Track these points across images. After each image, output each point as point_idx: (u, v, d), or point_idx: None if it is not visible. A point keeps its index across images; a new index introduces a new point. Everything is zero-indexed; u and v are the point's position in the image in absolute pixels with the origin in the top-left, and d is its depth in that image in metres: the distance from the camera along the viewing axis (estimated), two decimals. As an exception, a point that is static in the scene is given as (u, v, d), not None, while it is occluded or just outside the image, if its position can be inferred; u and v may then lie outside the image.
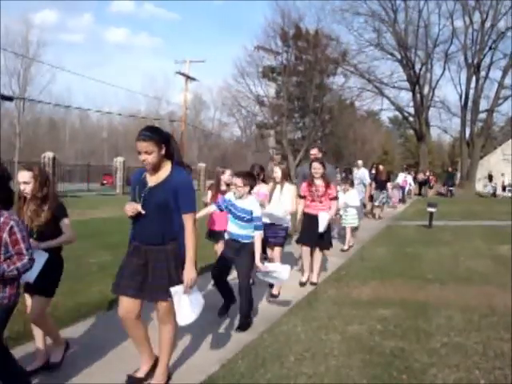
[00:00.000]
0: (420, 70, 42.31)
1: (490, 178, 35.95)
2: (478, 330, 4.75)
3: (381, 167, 16.28)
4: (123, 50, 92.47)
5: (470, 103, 40.70)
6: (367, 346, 4.28)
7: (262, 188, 6.19)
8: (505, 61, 39.46)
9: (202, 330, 4.58)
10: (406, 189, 23.24)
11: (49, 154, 21.48)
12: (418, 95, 42.53)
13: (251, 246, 4.86)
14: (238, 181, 4.86)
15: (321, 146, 8.01)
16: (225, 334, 4.66)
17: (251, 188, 4.93)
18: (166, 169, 3.34)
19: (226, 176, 6.45)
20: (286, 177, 6.36)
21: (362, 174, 12.23)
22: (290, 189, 6.25)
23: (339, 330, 4.69)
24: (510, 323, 4.92)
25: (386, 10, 42.03)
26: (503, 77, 39.60)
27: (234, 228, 4.94)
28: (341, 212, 9.67)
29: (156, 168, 3.32)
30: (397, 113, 50.20)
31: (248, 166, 8.03)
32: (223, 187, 6.40)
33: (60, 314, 4.82)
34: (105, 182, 33.02)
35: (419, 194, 28.92)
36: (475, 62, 39.63)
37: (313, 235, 6.49)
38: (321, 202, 6.53)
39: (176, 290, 3.27)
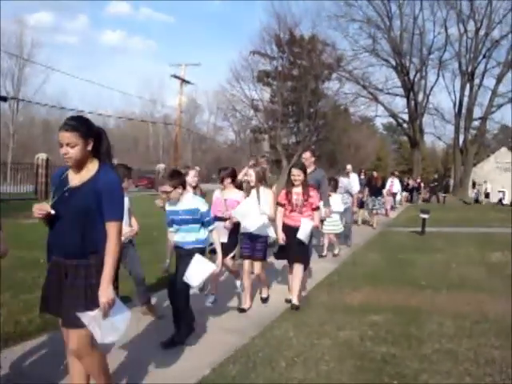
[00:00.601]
0: (414, 76, 42.62)
1: (474, 184, 36.24)
2: (469, 337, 4.76)
3: (375, 173, 15.61)
4: (118, 53, 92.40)
5: (463, 110, 41.02)
6: (358, 352, 4.28)
7: (232, 194, 5.74)
8: (498, 69, 39.89)
9: (193, 334, 4.56)
10: (398, 196, 22.19)
11: (42, 156, 21.38)
12: (413, 102, 42.81)
13: (199, 252, 4.40)
14: (167, 187, 4.37)
15: (313, 150, 7.76)
16: (216, 337, 4.64)
17: (183, 185, 4.43)
18: (92, 168, 2.83)
19: (190, 177, 5.75)
20: (262, 180, 5.77)
21: (347, 182, 11.29)
22: (266, 193, 5.72)
23: (331, 336, 4.68)
24: (502, 330, 4.93)
25: (382, 16, 42.36)
26: (497, 85, 39.96)
27: (180, 236, 4.45)
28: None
29: (79, 166, 2.81)
30: (391, 119, 50.50)
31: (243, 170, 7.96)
32: (189, 191, 5.84)
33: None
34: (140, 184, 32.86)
35: (410, 201, 28.67)
36: (469, 69, 39.96)
37: (291, 250, 5.75)
38: (301, 213, 5.77)
39: (90, 318, 2.70)
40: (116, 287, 2.85)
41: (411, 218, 17.68)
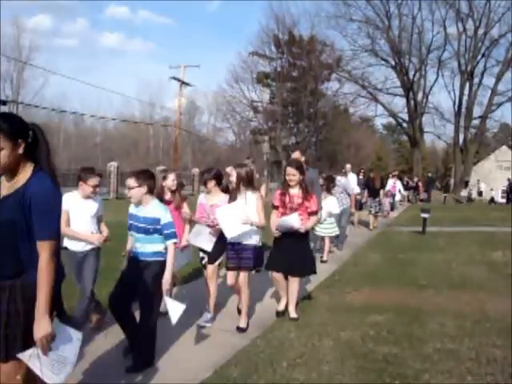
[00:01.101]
0: (414, 76, 42.66)
1: (466, 183, 36.27)
2: (470, 336, 4.76)
3: (371, 174, 14.86)
4: (117, 55, 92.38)
5: (463, 109, 41.11)
6: (360, 352, 4.28)
7: (218, 199, 5.17)
8: (498, 67, 39.92)
9: (194, 336, 4.57)
10: (397, 196, 21.09)
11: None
12: (412, 101, 42.86)
13: (158, 265, 3.92)
14: (131, 181, 3.96)
15: (304, 149, 7.36)
16: (218, 339, 4.64)
17: (151, 190, 4.00)
18: (23, 175, 2.36)
19: (169, 181, 5.22)
20: (246, 182, 4.95)
21: (345, 182, 10.78)
22: (254, 197, 4.92)
23: (332, 336, 4.68)
24: (503, 329, 4.94)
25: (380, 16, 42.44)
26: (496, 83, 40.03)
27: (139, 245, 4.00)
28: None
29: (11, 172, 2.36)
30: (391, 119, 50.53)
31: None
32: (167, 195, 5.19)
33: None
34: None
35: (408, 201, 28.44)
36: (468, 68, 40.01)
37: (285, 259, 5.18)
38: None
39: (28, 357, 2.27)
40: (58, 309, 2.45)
41: (412, 217, 17.69)
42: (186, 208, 5.30)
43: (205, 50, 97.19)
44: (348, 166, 13.12)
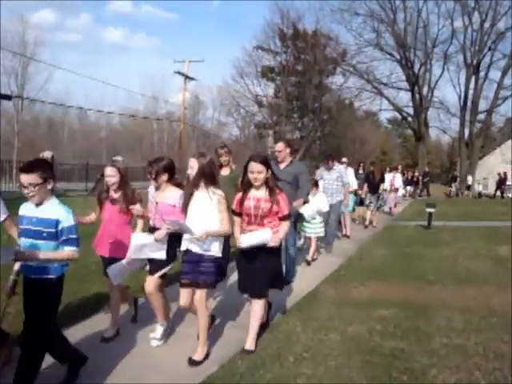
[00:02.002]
0: (419, 70, 42.39)
1: (455, 178, 36.09)
2: (477, 331, 4.74)
3: (371, 167, 13.96)
4: (121, 50, 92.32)
5: (469, 104, 40.82)
6: (367, 347, 4.27)
7: (167, 195, 4.26)
8: (504, 61, 39.62)
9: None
10: (400, 192, 19.60)
11: (47, 154, 21.29)
12: (417, 95, 42.60)
13: (53, 281, 3.18)
14: (24, 177, 3.14)
15: (289, 140, 6.57)
16: (224, 334, 4.64)
17: (45, 181, 3.14)
18: None
19: (108, 176, 4.37)
20: (208, 177, 3.97)
21: (342, 169, 9.92)
22: (215, 198, 3.95)
23: (339, 331, 4.67)
24: (509, 324, 4.91)
25: (385, 10, 42.10)
26: (502, 77, 39.73)
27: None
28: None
29: None
30: (395, 113, 50.27)
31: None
32: (113, 193, 4.42)
33: (60, 313, 4.81)
34: None
35: (410, 196, 27.82)
36: (474, 62, 39.72)
37: (249, 279, 4.23)
38: (262, 225, 4.15)
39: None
40: None
41: (416, 211, 17.64)
42: (138, 207, 4.36)
43: (208, 45, 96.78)
44: (344, 160, 12.29)
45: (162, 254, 4.20)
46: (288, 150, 6.40)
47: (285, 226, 4.23)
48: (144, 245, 4.15)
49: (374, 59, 43.82)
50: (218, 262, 4.07)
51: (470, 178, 37.33)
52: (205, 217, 3.93)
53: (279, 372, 3.72)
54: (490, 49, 39.73)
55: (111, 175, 4.31)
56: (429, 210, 13.26)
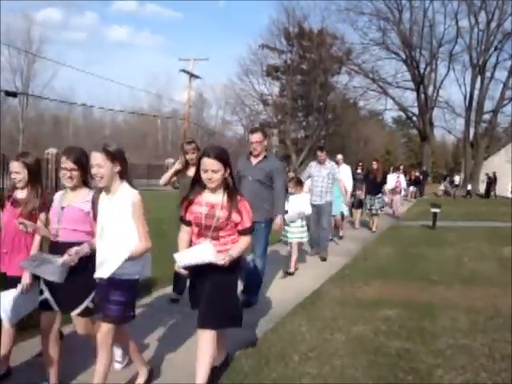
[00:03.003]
0: (424, 69, 42.36)
1: (445, 178, 35.99)
2: (483, 332, 4.71)
3: (374, 165, 12.43)
4: (126, 48, 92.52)
5: (474, 104, 40.75)
6: (372, 347, 4.25)
7: (76, 198, 3.26)
8: (510, 61, 39.56)
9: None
10: (402, 192, 18.93)
11: (52, 151, 21.47)
12: (423, 95, 42.55)
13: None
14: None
15: (266, 131, 5.99)
16: (228, 332, 4.61)
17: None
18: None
19: (13, 174, 3.52)
20: (122, 174, 3.10)
21: (333, 165, 8.74)
22: (128, 202, 3.04)
23: (344, 330, 4.65)
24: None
25: (391, 9, 42.12)
26: (508, 77, 39.65)
27: None
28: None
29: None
30: (400, 113, 50.29)
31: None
32: (18, 193, 3.56)
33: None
34: None
35: (413, 197, 27.24)
36: (480, 62, 39.63)
37: (200, 297, 3.30)
38: (217, 239, 3.25)
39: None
40: None
41: (421, 212, 17.60)
42: (42, 217, 3.43)
43: (213, 43, 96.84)
44: (339, 157, 11.30)
45: (56, 277, 3.07)
46: (265, 143, 5.52)
47: (244, 241, 3.32)
48: (43, 261, 3.09)
49: (379, 58, 43.91)
50: (133, 288, 3.17)
51: (457, 178, 37.14)
52: (117, 229, 3.04)
53: (284, 371, 3.70)
54: (496, 49, 39.67)
55: (16, 172, 3.48)
56: (434, 210, 13.22)
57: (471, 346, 4.33)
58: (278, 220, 5.49)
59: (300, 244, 7.60)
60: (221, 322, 3.29)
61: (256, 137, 5.40)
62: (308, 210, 7.41)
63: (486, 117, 42.06)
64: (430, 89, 43.14)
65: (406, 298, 5.86)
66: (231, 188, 3.30)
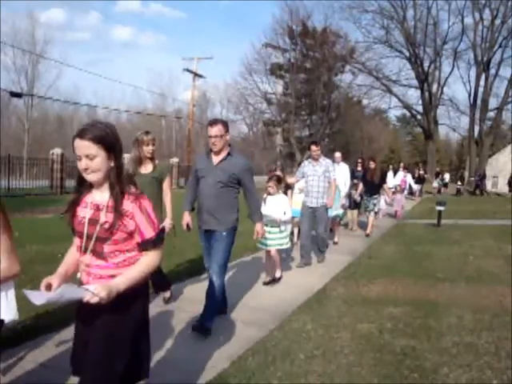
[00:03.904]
0: (429, 67, 42.28)
1: (437, 175, 35.86)
2: (489, 330, 4.71)
3: (372, 165, 11.48)
4: (130, 48, 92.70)
5: (478, 101, 40.59)
6: (378, 345, 4.25)
7: None
8: (515, 59, 39.24)
9: (212, 328, 4.58)
10: (405, 192, 18.72)
11: (57, 151, 21.55)
12: (427, 93, 42.46)
13: None
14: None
15: (226, 123, 4.59)
16: (235, 331, 4.64)
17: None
18: None
19: None
20: None
21: (328, 163, 7.84)
22: None
23: (349, 329, 4.66)
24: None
25: (395, 6, 41.98)
26: (513, 75, 39.37)
27: None
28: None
29: None
30: (404, 111, 50.19)
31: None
32: None
33: (60, 312, 4.85)
34: None
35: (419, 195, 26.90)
36: (485, 59, 39.46)
37: (80, 350, 2.40)
38: (103, 259, 2.31)
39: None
40: None
41: (426, 210, 17.57)
42: None
43: (216, 42, 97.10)
44: (337, 155, 10.71)
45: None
46: (228, 137, 4.60)
47: (144, 262, 2.33)
48: None
49: (383, 56, 43.84)
50: None
51: (446, 176, 36.95)
52: None
53: (290, 369, 3.72)
54: (500, 46, 39.48)
55: None
56: (439, 208, 13.21)
57: (477, 344, 4.33)
58: (258, 228, 4.87)
59: (280, 251, 6.61)
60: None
61: (215, 130, 4.49)
62: (288, 214, 6.42)
63: (491, 114, 41.97)
64: (435, 86, 43.11)
65: (411, 296, 5.86)
66: (113, 180, 2.28)
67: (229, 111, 55.43)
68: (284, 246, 6.49)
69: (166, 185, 5.06)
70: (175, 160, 31.39)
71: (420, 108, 44.48)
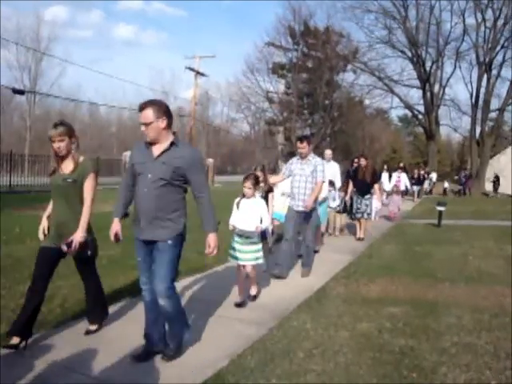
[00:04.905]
0: (431, 67, 42.11)
1: (427, 174, 35.78)
2: (488, 330, 4.72)
3: (363, 161, 10.56)
4: (132, 46, 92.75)
5: (480, 102, 40.44)
6: (376, 344, 4.26)
7: None
8: (517, 59, 39.13)
9: (211, 325, 4.59)
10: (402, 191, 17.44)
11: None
12: (429, 93, 42.31)
13: None
14: None
15: (165, 106, 3.68)
16: (234, 329, 4.66)
17: None
18: None
19: None
20: None
21: (316, 163, 6.85)
22: None
23: (348, 328, 4.67)
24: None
25: (397, 7, 41.81)
26: (515, 75, 39.29)
27: None
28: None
29: None
30: (406, 111, 50.01)
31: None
32: None
33: (70, 306, 4.88)
34: None
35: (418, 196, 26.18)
36: (487, 60, 39.31)
37: None
38: None
39: None
40: None
41: (426, 210, 17.56)
42: None
43: (218, 40, 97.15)
44: (328, 152, 9.99)
45: None
46: (165, 122, 3.63)
47: None
48: None
49: (385, 56, 43.64)
50: None
51: (433, 176, 36.74)
52: None
53: (289, 368, 3.73)
54: (503, 47, 39.29)
55: None
56: (439, 208, 13.21)
57: (476, 344, 4.34)
58: (210, 240, 3.77)
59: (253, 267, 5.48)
60: None
61: (143, 116, 3.61)
62: (266, 221, 5.43)
63: (493, 115, 41.77)
64: (436, 87, 42.91)
65: (410, 296, 5.87)
66: None
67: (230, 110, 55.51)
68: (261, 261, 5.46)
69: (86, 184, 4.08)
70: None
71: (422, 108, 44.33)
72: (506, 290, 6.25)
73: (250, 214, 5.30)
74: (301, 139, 6.94)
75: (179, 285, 5.99)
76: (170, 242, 3.65)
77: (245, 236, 5.30)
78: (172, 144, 3.66)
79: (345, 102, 44.53)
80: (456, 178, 35.32)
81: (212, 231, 3.78)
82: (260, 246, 5.44)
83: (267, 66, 43.99)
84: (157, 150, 3.66)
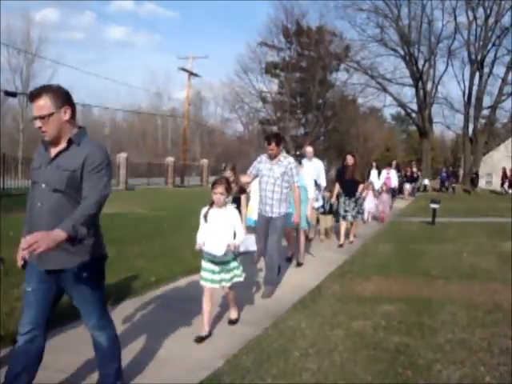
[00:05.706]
0: (423, 66, 42.23)
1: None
2: (482, 327, 4.75)
3: (349, 158, 9.55)
4: (124, 48, 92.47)
5: (473, 99, 40.62)
6: (372, 342, 4.28)
7: None
8: (508, 57, 39.37)
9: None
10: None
11: (52, 150, 21.46)
12: (421, 91, 42.44)
13: None
14: None
15: (53, 89, 2.70)
16: (229, 329, 4.66)
17: None
18: None
19: None
20: None
21: (289, 163, 6.07)
22: None
23: (343, 326, 4.69)
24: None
25: (389, 5, 41.91)
26: (507, 73, 39.52)
27: None
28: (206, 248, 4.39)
29: None
30: (399, 109, 50.16)
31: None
32: None
33: (64, 308, 4.86)
34: None
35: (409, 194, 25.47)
36: (479, 58, 39.51)
37: None
38: None
39: None
40: None
41: (420, 208, 17.62)
42: None
43: (210, 40, 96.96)
44: (309, 149, 9.26)
45: None
46: (69, 113, 2.77)
47: None
48: None
49: (377, 55, 43.69)
50: None
51: (426, 181, 36.68)
52: None
53: (284, 367, 3.74)
54: (494, 44, 39.52)
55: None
56: (433, 206, 13.26)
57: (470, 341, 4.36)
58: (40, 234, 2.44)
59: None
60: None
61: (39, 107, 2.68)
62: (240, 235, 4.42)
63: (485, 112, 42.01)
64: (429, 85, 43.02)
65: (405, 294, 5.89)
66: None
67: (224, 110, 55.47)
68: (240, 278, 4.60)
69: None
70: (171, 159, 31.35)
71: (415, 106, 44.46)
72: (499, 286, 6.30)
73: (220, 230, 4.35)
74: (268, 139, 6.07)
75: (177, 285, 6.01)
76: (84, 274, 2.80)
77: (218, 259, 4.40)
78: (70, 142, 2.74)
79: (338, 101, 44.61)
80: (441, 175, 35.35)
81: (61, 229, 2.47)
82: (237, 262, 4.55)
83: (260, 65, 44.05)
84: (54, 150, 2.77)
